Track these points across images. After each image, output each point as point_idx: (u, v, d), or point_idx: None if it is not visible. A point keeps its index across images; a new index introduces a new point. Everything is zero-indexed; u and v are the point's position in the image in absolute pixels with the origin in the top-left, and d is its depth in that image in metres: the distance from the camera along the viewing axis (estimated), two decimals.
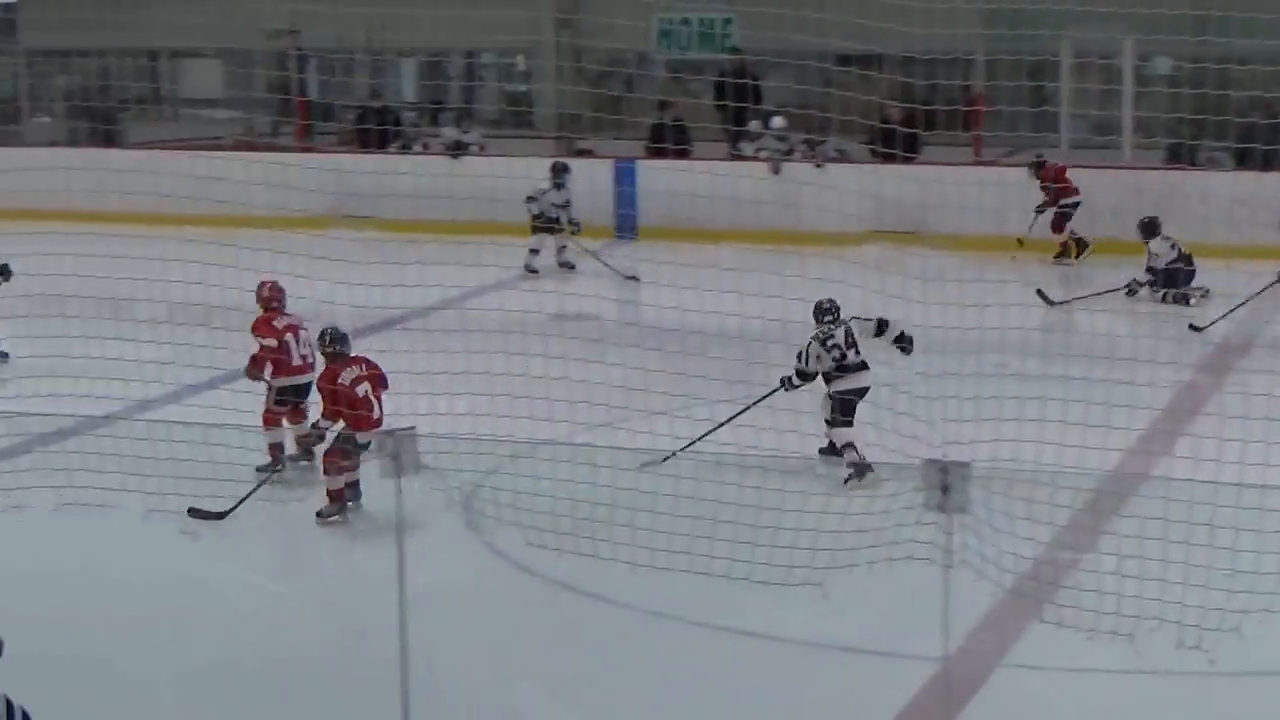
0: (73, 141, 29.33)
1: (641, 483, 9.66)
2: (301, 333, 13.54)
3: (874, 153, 24.08)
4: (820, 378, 13.31)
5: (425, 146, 27.87)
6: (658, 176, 22.16)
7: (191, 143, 27.46)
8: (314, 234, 13.35)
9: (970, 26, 20.98)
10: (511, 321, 15.26)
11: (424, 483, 7.59)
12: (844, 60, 18.35)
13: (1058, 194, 22.27)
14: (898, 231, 21.39)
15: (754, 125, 25.33)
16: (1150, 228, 20.40)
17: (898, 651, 9.66)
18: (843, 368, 13.30)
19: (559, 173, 22.70)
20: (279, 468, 13.14)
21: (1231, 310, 18.37)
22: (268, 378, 13.40)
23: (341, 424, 12.34)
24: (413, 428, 7.23)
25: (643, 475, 9.74)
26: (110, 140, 28.77)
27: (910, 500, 8.04)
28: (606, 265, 21.55)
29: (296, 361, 13.47)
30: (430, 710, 8.03)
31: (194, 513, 11.76)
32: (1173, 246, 20.22)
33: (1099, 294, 19.57)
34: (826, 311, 13.33)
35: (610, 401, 12.09)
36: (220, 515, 11.92)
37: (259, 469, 13.00)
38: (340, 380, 12.34)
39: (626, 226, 24.42)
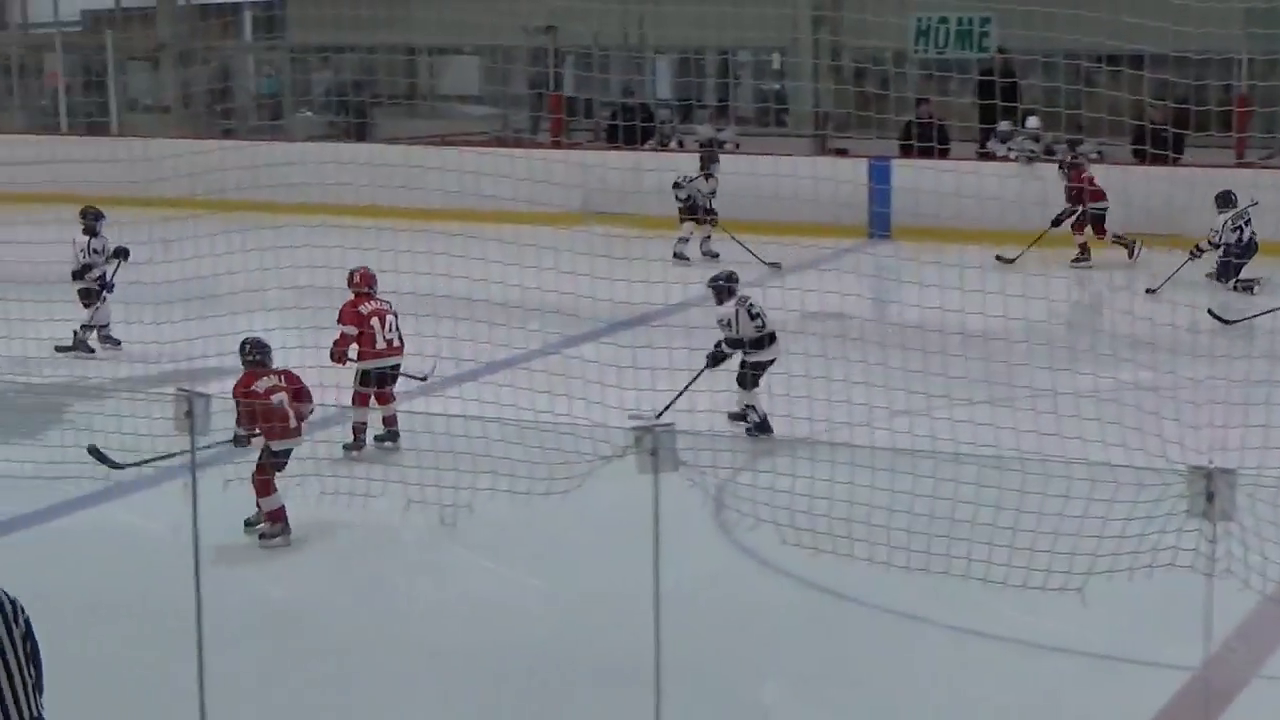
0: (329, 136, 29.93)
1: (897, 483, 9.58)
2: (389, 318, 14.00)
3: (1137, 154, 23.70)
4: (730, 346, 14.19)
5: (680, 144, 28.00)
6: (913, 175, 22.01)
7: (449, 139, 27.84)
8: (569, 229, 13.58)
9: (1232, 26, 20.59)
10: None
11: (679, 479, 7.60)
12: (1108, 60, 18.12)
13: (1080, 196, 22.03)
14: (1158, 234, 21.11)
15: (1004, 125, 25.10)
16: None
17: (1152, 660, 9.51)
18: (760, 339, 14.20)
19: (708, 162, 23.10)
20: (360, 446, 13.74)
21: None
22: (354, 358, 13.89)
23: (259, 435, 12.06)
24: (671, 424, 7.25)
25: (897, 475, 9.65)
26: (361, 135, 29.32)
27: (1173, 506, 7.88)
28: (752, 253, 21.48)
29: (381, 345, 13.93)
30: (681, 705, 8.05)
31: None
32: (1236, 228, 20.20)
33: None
34: (730, 282, 14.59)
35: (861, 400, 12.07)
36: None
37: (345, 447, 13.61)
38: (254, 388, 12.12)
39: (880, 225, 24.28)
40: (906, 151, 24.34)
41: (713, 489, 11.49)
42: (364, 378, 13.97)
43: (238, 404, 11.88)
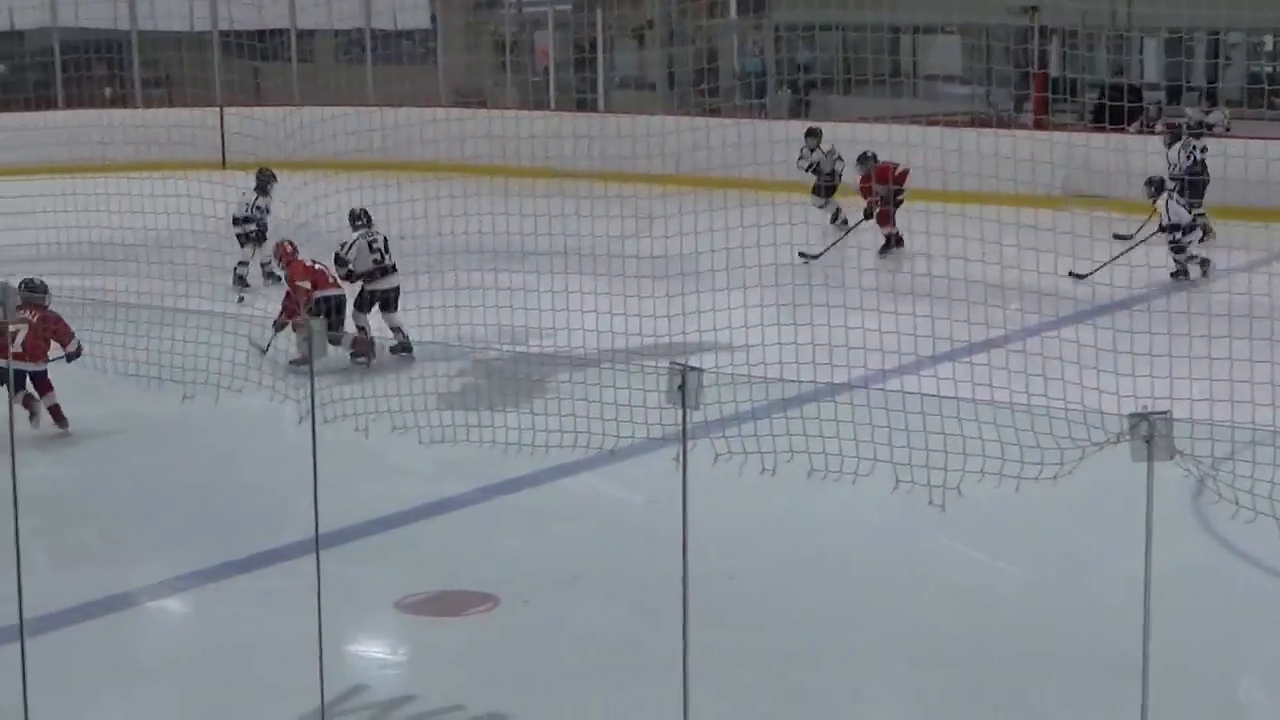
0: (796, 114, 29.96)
1: None
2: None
3: None
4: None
5: (1168, 127, 27.24)
6: None
7: (931, 119, 27.64)
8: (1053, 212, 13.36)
9: None
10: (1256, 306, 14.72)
11: (1173, 468, 7.40)
12: None
13: None
14: None
15: None
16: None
17: None
18: (381, 269, 16.87)
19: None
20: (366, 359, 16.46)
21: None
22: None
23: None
24: (1167, 411, 7.05)
25: None
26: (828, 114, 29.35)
27: None
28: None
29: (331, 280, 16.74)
30: (1166, 696, 7.85)
31: None
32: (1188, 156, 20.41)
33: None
34: (359, 217, 17.00)
35: None
36: None
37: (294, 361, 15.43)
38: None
39: None
40: None
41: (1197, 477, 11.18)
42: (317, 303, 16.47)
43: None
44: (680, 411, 7.41)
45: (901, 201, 21.62)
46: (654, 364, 12.47)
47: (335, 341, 16.17)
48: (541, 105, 30.69)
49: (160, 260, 18.12)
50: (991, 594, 10.88)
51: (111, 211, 18.09)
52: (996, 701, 9.32)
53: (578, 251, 17.94)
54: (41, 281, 15.15)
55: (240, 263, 20.44)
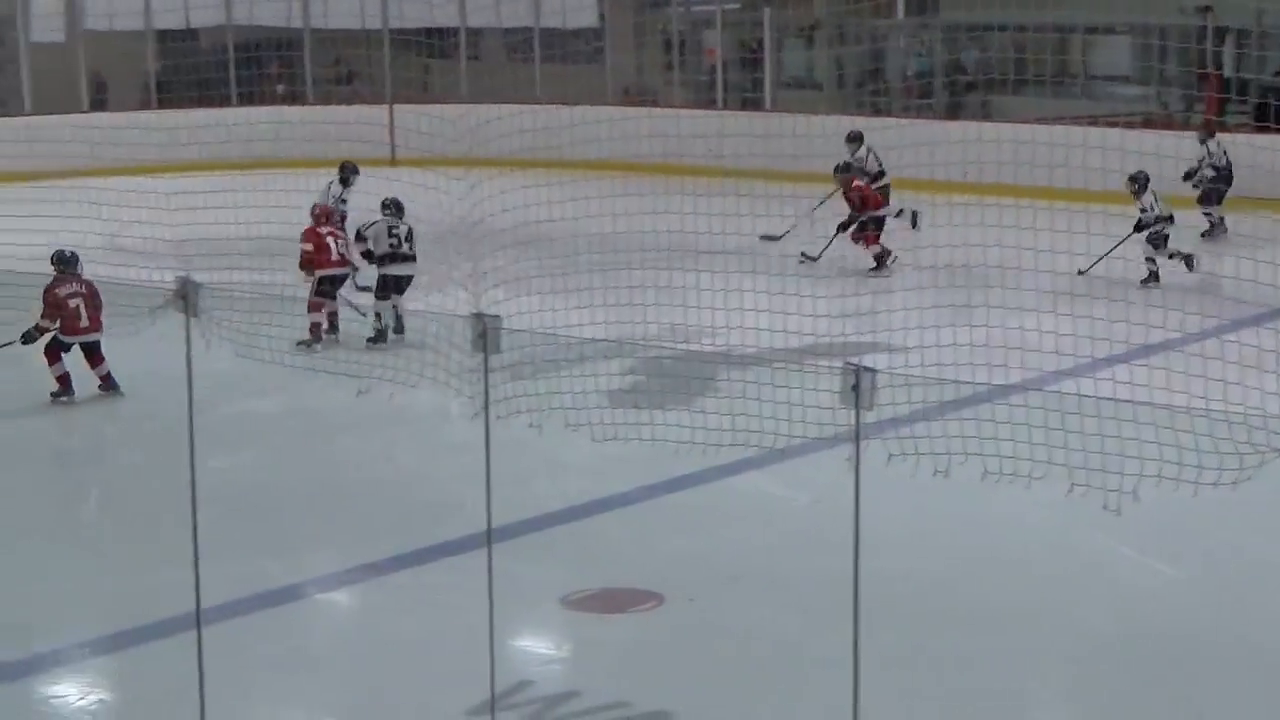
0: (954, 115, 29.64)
1: None
2: (340, 240, 18.11)
3: None
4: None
5: (1205, 123, 26.72)
6: None
7: (1099, 119, 27.30)
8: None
9: None
10: None
11: None
12: None
13: None
14: None
15: None
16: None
17: None
18: (396, 255, 17.68)
19: None
20: (319, 342, 17.44)
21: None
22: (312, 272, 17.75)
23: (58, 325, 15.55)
24: None
25: None
26: (987, 114, 29.01)
27: None
28: None
29: (334, 258, 17.88)
30: None
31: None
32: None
33: None
34: (388, 206, 17.99)
35: None
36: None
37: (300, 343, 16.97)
38: (57, 291, 15.55)
39: None
40: None
41: None
42: (320, 286, 17.80)
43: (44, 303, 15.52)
44: (852, 412, 7.34)
45: (883, 220, 21.63)
46: (823, 364, 12.42)
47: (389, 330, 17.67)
48: (709, 104, 30.66)
49: None
50: (1164, 600, 10.71)
51: (281, 207, 18.31)
52: (1166, 709, 9.17)
53: (751, 251, 18.06)
54: (72, 253, 16.05)
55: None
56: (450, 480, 12.58)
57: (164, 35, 32.80)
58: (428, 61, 33.51)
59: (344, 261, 18.11)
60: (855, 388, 7.06)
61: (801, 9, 33.75)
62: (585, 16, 32.10)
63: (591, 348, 16.46)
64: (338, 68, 34.24)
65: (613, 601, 10.71)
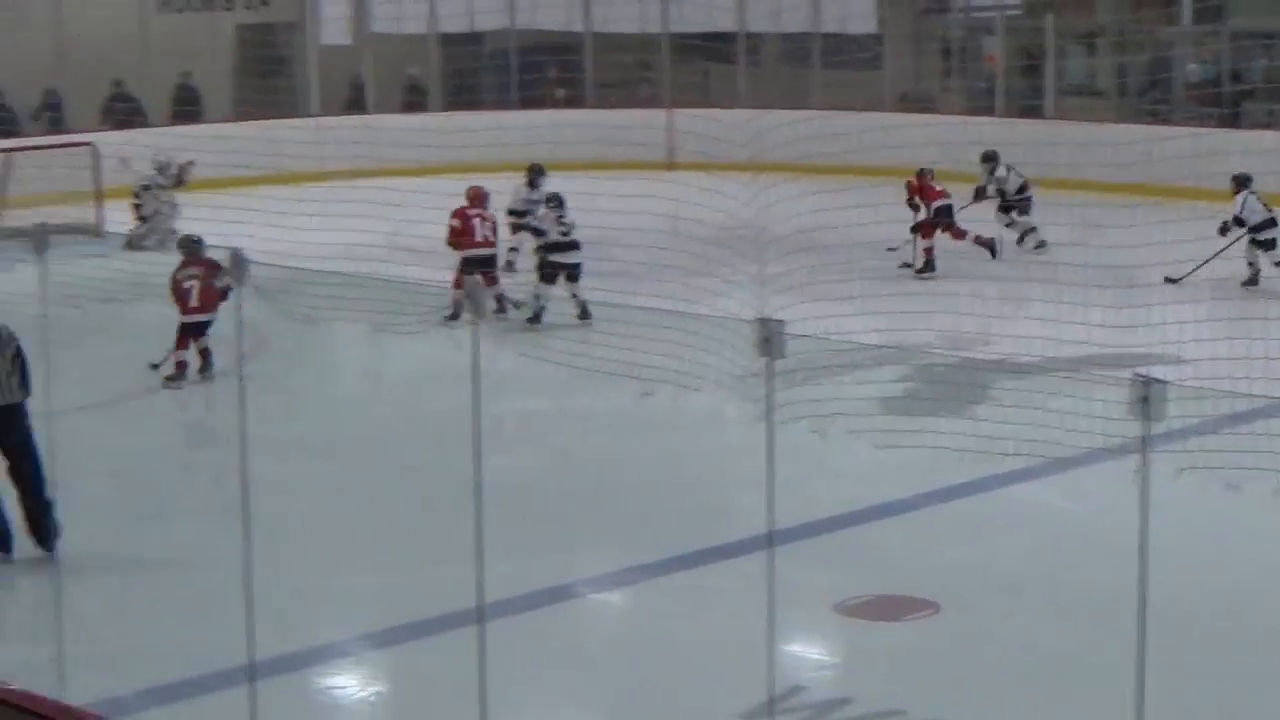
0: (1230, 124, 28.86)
1: None
2: (488, 221, 18.83)
3: None
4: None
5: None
6: None
7: None
8: None
9: None
10: None
11: None
12: None
13: None
14: None
15: None
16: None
17: None
18: (563, 243, 18.28)
19: None
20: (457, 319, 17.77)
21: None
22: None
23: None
24: None
25: None
26: (1270, 124, 28.23)
27: None
28: None
29: (479, 239, 18.61)
30: None
31: None
32: None
33: None
34: (551, 199, 18.87)
35: None
36: None
37: (445, 317, 17.93)
38: (177, 276, 16.48)
39: None
40: None
41: None
42: (464, 265, 18.36)
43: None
44: (1134, 423, 7.18)
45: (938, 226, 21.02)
46: (1106, 374, 12.23)
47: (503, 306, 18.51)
48: (988, 111, 30.30)
49: (607, 258, 18.45)
50: None
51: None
52: None
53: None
54: (197, 238, 16.91)
55: (511, 248, 21.26)
56: (728, 483, 12.58)
57: (448, 39, 33.28)
58: (707, 66, 33.57)
59: (488, 243, 18.78)
60: (1145, 400, 6.89)
61: (1084, 15, 33.16)
62: (864, 22, 31.86)
63: (868, 354, 16.38)
64: (618, 72, 34.44)
65: (888, 609, 10.63)
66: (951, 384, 15.08)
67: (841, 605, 10.62)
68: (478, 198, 19.23)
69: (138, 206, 23.98)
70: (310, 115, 31.66)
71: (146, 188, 23.94)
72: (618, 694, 9.66)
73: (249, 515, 7.29)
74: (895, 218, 16.18)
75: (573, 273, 18.49)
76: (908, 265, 20.68)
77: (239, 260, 7.40)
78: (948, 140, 23.93)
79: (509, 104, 32.51)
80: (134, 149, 25.25)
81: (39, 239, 8.79)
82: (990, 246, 20.99)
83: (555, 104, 32.65)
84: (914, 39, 34.17)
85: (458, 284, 18.40)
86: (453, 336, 11.92)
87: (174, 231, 21.76)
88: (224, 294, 16.10)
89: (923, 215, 20.92)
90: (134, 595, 11.03)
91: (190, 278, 16.45)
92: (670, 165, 29.07)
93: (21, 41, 29.56)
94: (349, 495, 13.10)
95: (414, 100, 33.68)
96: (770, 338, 6.80)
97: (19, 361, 11.15)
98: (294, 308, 17.37)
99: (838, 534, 12.01)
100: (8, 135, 28.51)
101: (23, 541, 11.28)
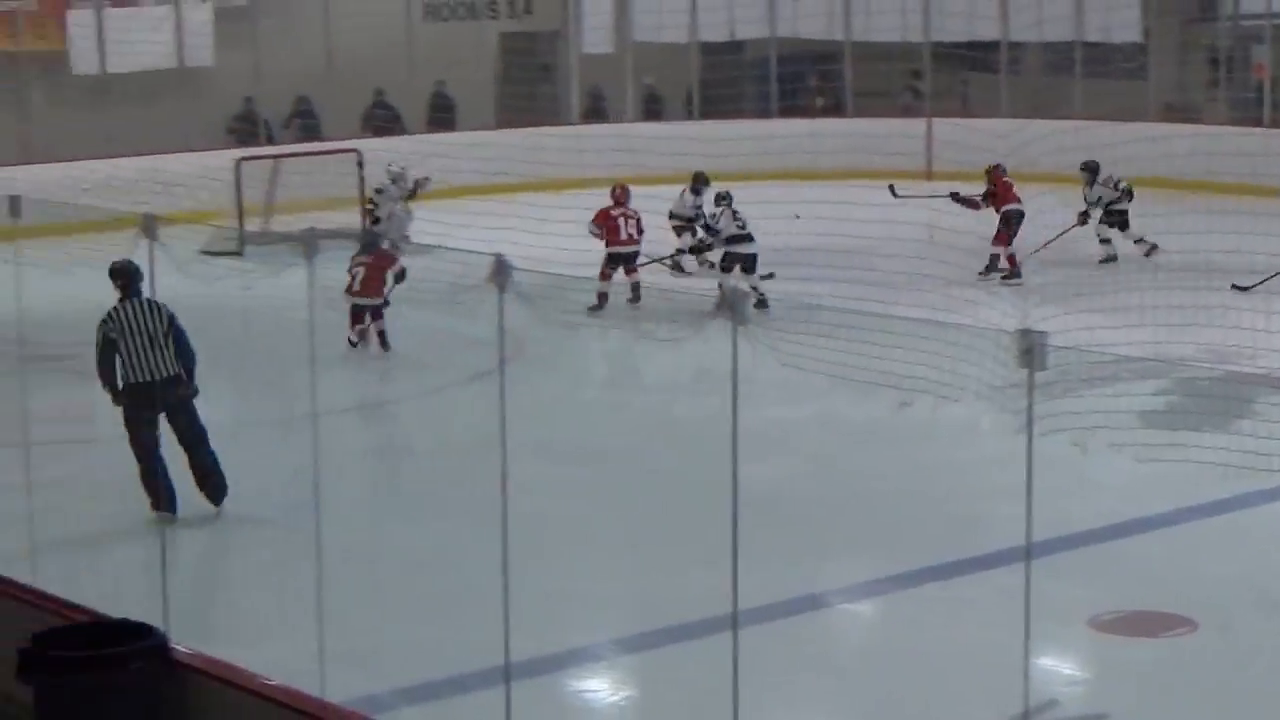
0: None
1: None
2: (631, 219, 20.34)
3: None
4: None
5: None
6: None
7: None
8: None
9: None
10: None
11: None
12: None
13: None
14: None
15: None
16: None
17: None
18: (741, 236, 19.69)
19: None
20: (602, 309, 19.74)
21: None
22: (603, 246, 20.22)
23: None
24: None
25: None
26: None
27: None
28: None
29: (624, 236, 20.23)
30: None
31: None
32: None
33: None
34: (724, 197, 20.23)
35: None
36: None
37: (590, 308, 19.60)
38: (352, 262, 18.12)
39: None
40: None
41: None
42: (609, 260, 20.14)
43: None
44: None
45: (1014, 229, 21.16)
46: None
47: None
48: (1254, 122, 29.64)
49: (866, 267, 18.39)
50: None
51: (821, 218, 18.48)
52: None
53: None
54: (375, 234, 19.63)
55: (678, 250, 22.22)
56: (984, 495, 12.47)
57: (708, 47, 33.38)
58: (967, 75, 33.28)
59: (632, 240, 20.35)
60: None
61: None
62: (1129, 31, 31.31)
63: (1129, 367, 16.10)
64: (877, 81, 34.24)
65: (1144, 625, 10.46)
66: (1215, 398, 14.78)
67: (1097, 620, 10.47)
68: (622, 197, 20.64)
69: (371, 210, 24.39)
70: (570, 123, 31.97)
71: (380, 191, 24.33)
72: (869, 703, 9.63)
73: (506, 516, 7.38)
74: (1164, 228, 15.88)
75: (748, 264, 19.70)
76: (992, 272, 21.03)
77: (502, 266, 7.50)
78: (1212, 151, 23.46)
79: (768, 113, 32.51)
80: (393, 156, 25.83)
81: (309, 244, 8.97)
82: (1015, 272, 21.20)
83: (814, 113, 32.61)
84: (1179, 48, 33.55)
85: (605, 276, 20.05)
86: (709, 342, 11.90)
87: (407, 237, 22.55)
88: (400, 276, 18.03)
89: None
90: (390, 593, 11.25)
91: (358, 265, 18.13)
92: (929, 175, 28.88)
93: (281, 53, 30.22)
94: (602, 499, 13.21)
95: (652, 108, 33.81)
96: (1032, 349, 6.72)
97: (174, 335, 12.39)
98: (555, 313, 17.57)
99: (1096, 548, 11.84)
100: (260, 143, 29.24)
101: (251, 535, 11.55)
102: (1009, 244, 21.20)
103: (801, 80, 33.42)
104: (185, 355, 12.49)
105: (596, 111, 33.56)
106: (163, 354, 12.35)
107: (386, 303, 18.11)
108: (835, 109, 33.04)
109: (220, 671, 8.24)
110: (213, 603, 11.41)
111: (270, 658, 8.82)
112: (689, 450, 13.96)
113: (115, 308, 12.46)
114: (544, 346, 16.62)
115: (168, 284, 10.64)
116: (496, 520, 7.45)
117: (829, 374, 14.72)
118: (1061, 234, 21.47)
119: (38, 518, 10.46)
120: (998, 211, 21.36)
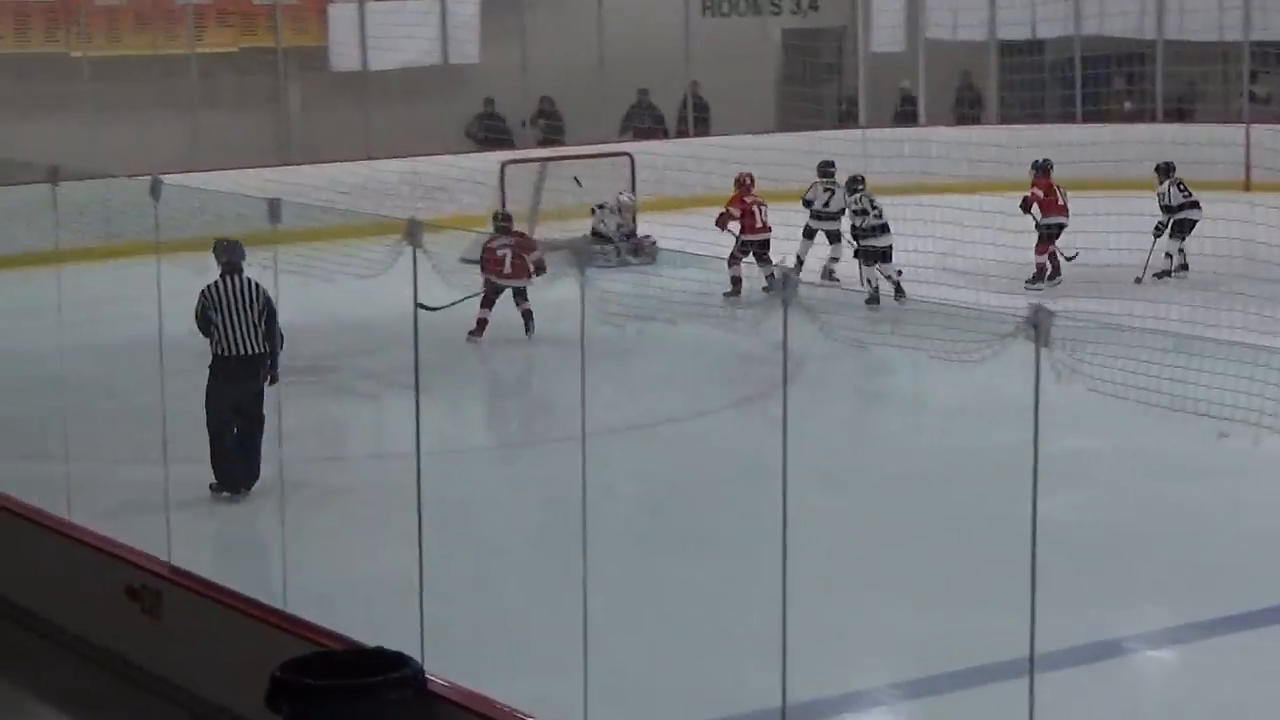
0: None
1: None
2: (764, 208, 21.95)
3: None
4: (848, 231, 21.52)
5: None
6: None
7: None
8: None
9: None
10: None
11: None
12: None
13: None
14: None
15: None
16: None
17: None
18: (879, 227, 20.76)
19: None
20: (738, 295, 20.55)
21: None
22: (736, 233, 21.93)
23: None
24: None
25: None
26: None
27: None
28: None
29: (758, 224, 21.82)
30: None
31: None
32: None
33: None
34: (858, 182, 21.42)
35: None
36: None
37: (725, 294, 20.35)
38: (491, 245, 19.20)
39: None
40: None
41: None
42: (743, 246, 21.75)
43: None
44: None
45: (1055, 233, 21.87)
46: None
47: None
48: None
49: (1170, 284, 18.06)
50: None
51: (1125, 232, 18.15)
52: None
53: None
54: (508, 214, 20.65)
55: (832, 258, 22.98)
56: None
57: (1007, 46, 32.95)
58: None
59: (766, 228, 21.79)
60: None
61: None
62: None
63: None
64: (1191, 85, 33.51)
65: None
66: None
67: None
68: (751, 184, 22.18)
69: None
70: (857, 126, 31.74)
71: (602, 205, 24.63)
72: None
73: (785, 550, 7.34)
74: None
75: (885, 254, 20.72)
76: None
77: (787, 279, 7.47)
78: None
79: (1070, 116, 31.98)
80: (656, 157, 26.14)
81: (581, 252, 9.02)
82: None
83: (1120, 117, 32.05)
84: None
85: (733, 260, 21.42)
86: (1005, 368, 11.73)
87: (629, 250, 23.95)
88: (539, 268, 19.10)
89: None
90: (659, 628, 11.23)
91: (504, 246, 19.30)
92: (1247, 186, 28.23)
93: (550, 48, 30.33)
94: (882, 533, 13.08)
95: (905, 111, 33.42)
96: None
97: (266, 317, 13.38)
98: (839, 331, 17.45)
99: None
100: (499, 146, 29.44)
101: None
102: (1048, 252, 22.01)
103: (1107, 82, 32.85)
104: (274, 338, 13.38)
105: (906, 115, 33.26)
106: (255, 331, 13.45)
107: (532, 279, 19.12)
108: (1142, 114, 32.38)
109: (477, 705, 8.31)
110: (471, 632, 11.52)
111: (529, 693, 8.88)
112: (980, 480, 13.81)
113: (215, 282, 13.61)
114: (827, 365, 16.52)
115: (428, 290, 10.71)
116: (771, 554, 7.40)
117: (1139, 400, 14.40)
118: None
119: (289, 539, 10.60)
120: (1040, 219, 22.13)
